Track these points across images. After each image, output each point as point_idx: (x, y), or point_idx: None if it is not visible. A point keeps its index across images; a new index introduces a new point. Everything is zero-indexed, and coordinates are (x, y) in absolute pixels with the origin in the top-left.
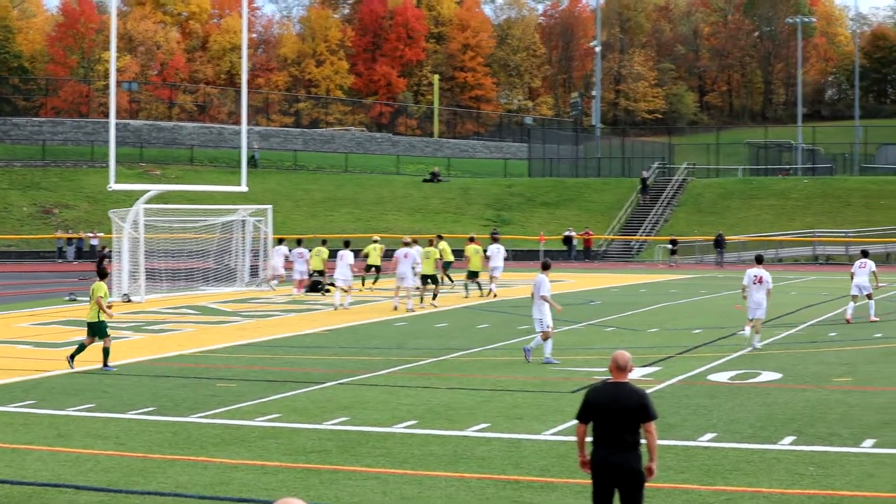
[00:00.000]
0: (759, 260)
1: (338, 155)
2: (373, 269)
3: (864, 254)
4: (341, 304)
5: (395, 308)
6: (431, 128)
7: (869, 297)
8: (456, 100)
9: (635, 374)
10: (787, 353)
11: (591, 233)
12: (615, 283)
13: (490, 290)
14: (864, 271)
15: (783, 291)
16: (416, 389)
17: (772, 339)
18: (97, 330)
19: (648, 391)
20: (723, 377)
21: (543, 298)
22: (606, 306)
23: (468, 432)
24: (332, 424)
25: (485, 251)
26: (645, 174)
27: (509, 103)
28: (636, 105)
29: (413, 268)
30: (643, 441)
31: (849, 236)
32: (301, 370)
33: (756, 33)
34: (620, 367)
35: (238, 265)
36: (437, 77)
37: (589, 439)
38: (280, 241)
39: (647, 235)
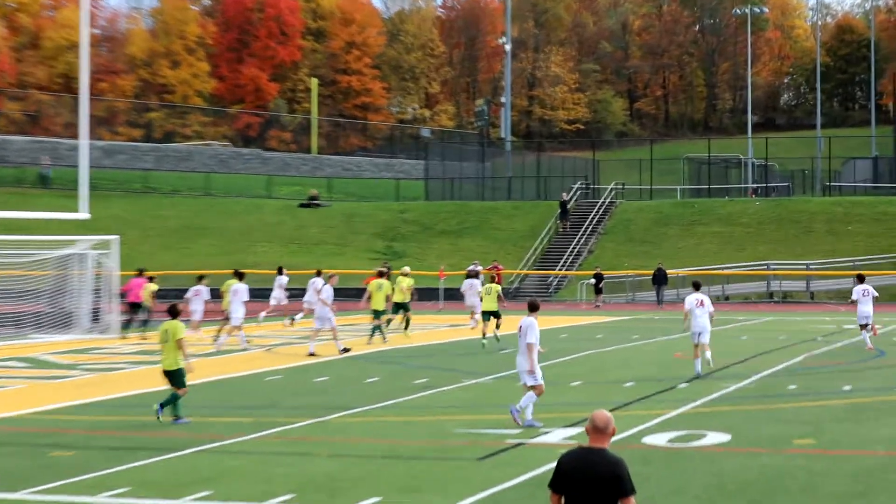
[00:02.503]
0: (696, 286)
1: (197, 175)
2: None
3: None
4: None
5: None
6: (309, 142)
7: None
8: (338, 108)
9: (554, 437)
10: (738, 410)
11: (499, 267)
12: None
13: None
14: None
15: (732, 336)
16: (292, 457)
17: (719, 394)
18: (176, 379)
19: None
20: (660, 439)
21: (530, 347)
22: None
23: None
24: (193, 500)
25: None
26: (565, 196)
27: (402, 112)
28: (554, 114)
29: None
30: None
31: (810, 269)
32: (154, 434)
33: (697, 27)
34: (599, 429)
35: (77, 308)
36: (315, 81)
37: None
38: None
39: (567, 270)
